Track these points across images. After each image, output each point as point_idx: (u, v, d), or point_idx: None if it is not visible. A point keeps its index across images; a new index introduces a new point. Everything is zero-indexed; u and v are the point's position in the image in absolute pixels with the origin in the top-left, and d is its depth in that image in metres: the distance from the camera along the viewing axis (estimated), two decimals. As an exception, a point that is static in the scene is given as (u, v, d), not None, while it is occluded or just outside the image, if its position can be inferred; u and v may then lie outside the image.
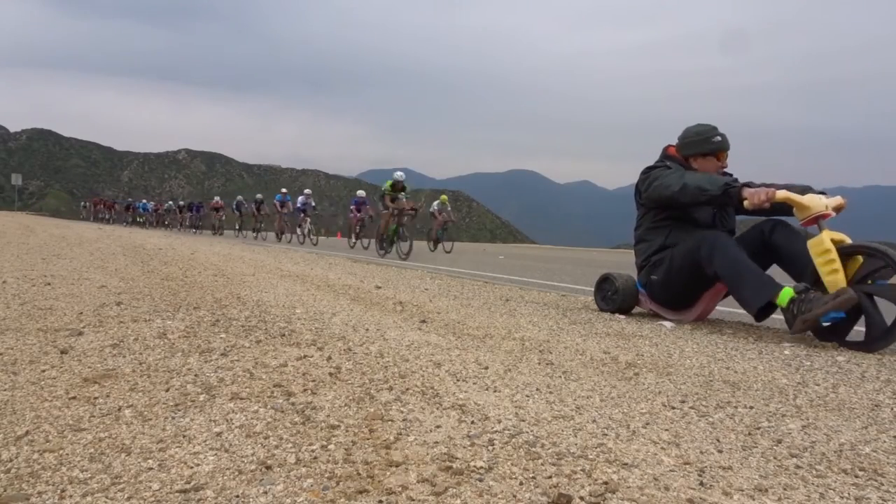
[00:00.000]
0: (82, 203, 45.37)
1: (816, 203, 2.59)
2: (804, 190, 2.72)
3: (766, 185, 2.88)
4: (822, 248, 2.51)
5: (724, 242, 2.77)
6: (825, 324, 2.46)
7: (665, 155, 3.22)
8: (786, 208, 2.75)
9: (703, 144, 3.08)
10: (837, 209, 2.64)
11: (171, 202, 28.62)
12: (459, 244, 19.67)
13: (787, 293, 2.53)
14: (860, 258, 2.53)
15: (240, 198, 20.15)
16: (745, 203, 2.65)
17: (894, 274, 2.44)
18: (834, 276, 2.47)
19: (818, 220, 2.59)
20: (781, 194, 2.59)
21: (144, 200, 32.03)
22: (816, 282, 2.56)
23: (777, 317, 3.57)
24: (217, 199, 23.01)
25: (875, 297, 2.45)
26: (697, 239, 2.86)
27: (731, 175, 3.19)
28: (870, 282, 2.48)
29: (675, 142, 3.24)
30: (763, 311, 2.68)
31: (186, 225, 25.08)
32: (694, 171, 3.07)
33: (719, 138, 3.07)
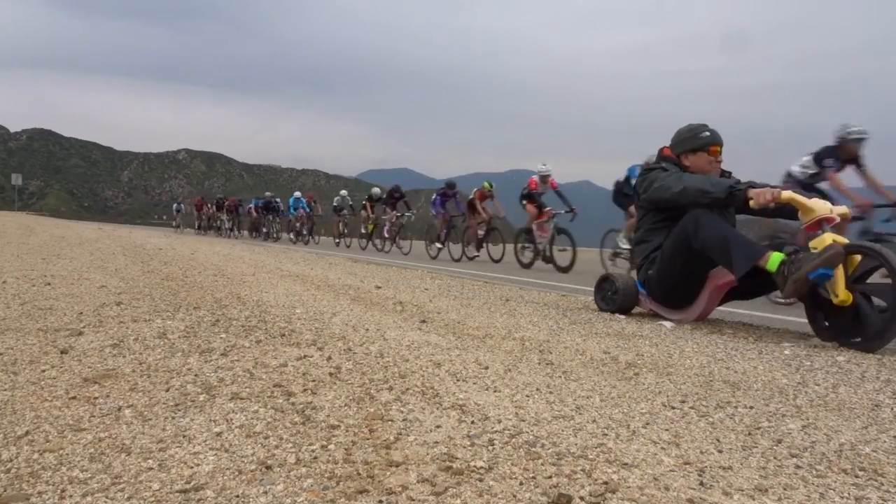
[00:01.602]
0: (175, 206, 26.85)
1: (821, 206, 2.60)
2: (810, 196, 2.73)
3: (771, 186, 2.89)
4: (824, 245, 2.52)
5: (708, 216, 2.80)
6: (813, 278, 2.46)
7: (661, 156, 3.24)
8: (790, 210, 2.75)
9: (693, 140, 3.12)
10: (843, 217, 2.65)
11: (343, 193, 15.52)
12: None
13: (776, 257, 2.57)
14: (857, 257, 2.54)
15: (544, 165, 8.80)
16: (751, 202, 2.65)
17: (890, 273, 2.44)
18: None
19: (822, 224, 2.59)
20: (786, 195, 2.60)
21: (297, 194, 16.31)
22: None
23: (777, 316, 3.56)
24: (487, 186, 10.22)
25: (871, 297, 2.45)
26: (682, 220, 2.89)
27: (729, 173, 3.20)
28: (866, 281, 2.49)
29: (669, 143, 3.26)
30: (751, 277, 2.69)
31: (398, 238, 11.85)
32: (686, 168, 3.09)
33: (707, 133, 3.10)
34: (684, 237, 2.85)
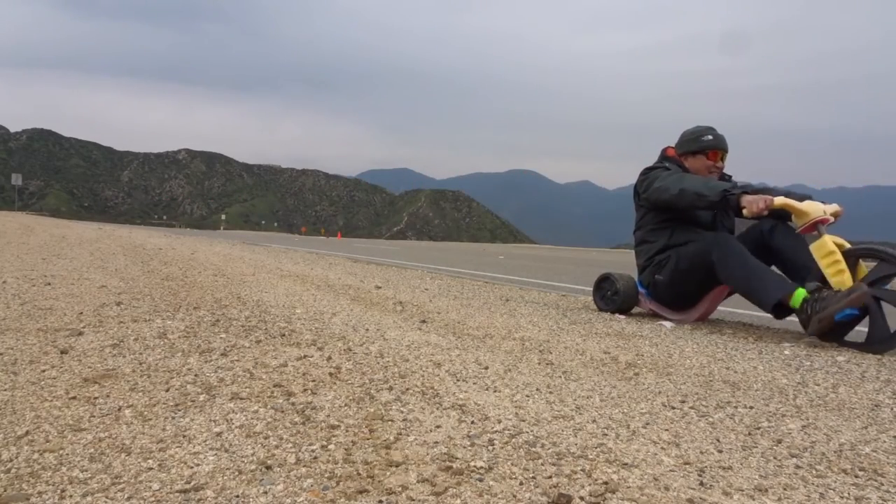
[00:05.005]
0: None
1: (815, 209, 2.60)
2: (802, 197, 2.72)
3: (766, 188, 2.88)
4: (826, 250, 2.52)
5: (735, 246, 2.77)
6: (839, 320, 2.44)
7: (664, 156, 3.24)
8: (784, 215, 2.75)
9: (693, 143, 3.13)
10: (835, 215, 2.65)
11: None
12: (457, 244, 16.58)
13: (800, 294, 2.54)
14: (863, 264, 2.54)
15: None
16: (744, 211, 2.64)
17: None
18: (840, 276, 2.48)
19: (817, 226, 2.59)
20: (779, 201, 2.60)
21: None
22: (823, 283, 2.56)
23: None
24: None
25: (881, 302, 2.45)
26: (707, 243, 2.86)
27: (729, 177, 3.19)
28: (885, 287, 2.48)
29: (674, 143, 3.26)
30: (777, 310, 2.68)
31: None
32: (687, 170, 3.09)
33: (710, 137, 3.09)
34: (707, 262, 2.82)
